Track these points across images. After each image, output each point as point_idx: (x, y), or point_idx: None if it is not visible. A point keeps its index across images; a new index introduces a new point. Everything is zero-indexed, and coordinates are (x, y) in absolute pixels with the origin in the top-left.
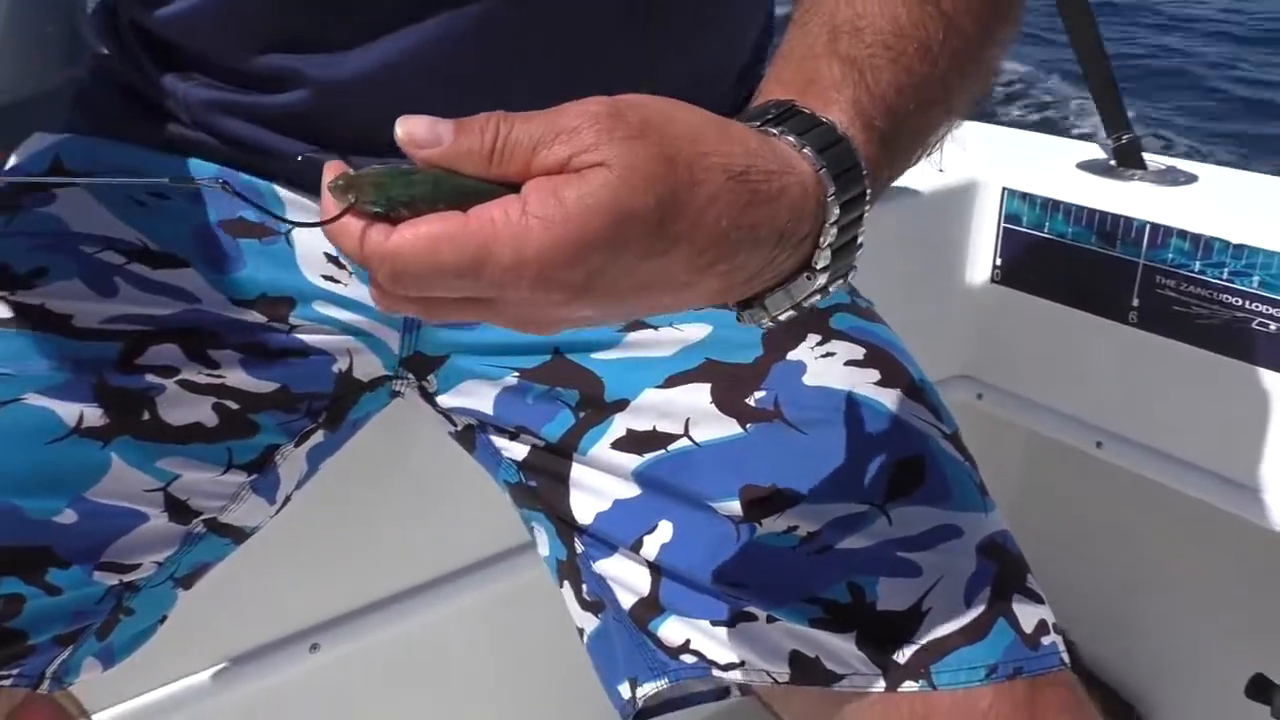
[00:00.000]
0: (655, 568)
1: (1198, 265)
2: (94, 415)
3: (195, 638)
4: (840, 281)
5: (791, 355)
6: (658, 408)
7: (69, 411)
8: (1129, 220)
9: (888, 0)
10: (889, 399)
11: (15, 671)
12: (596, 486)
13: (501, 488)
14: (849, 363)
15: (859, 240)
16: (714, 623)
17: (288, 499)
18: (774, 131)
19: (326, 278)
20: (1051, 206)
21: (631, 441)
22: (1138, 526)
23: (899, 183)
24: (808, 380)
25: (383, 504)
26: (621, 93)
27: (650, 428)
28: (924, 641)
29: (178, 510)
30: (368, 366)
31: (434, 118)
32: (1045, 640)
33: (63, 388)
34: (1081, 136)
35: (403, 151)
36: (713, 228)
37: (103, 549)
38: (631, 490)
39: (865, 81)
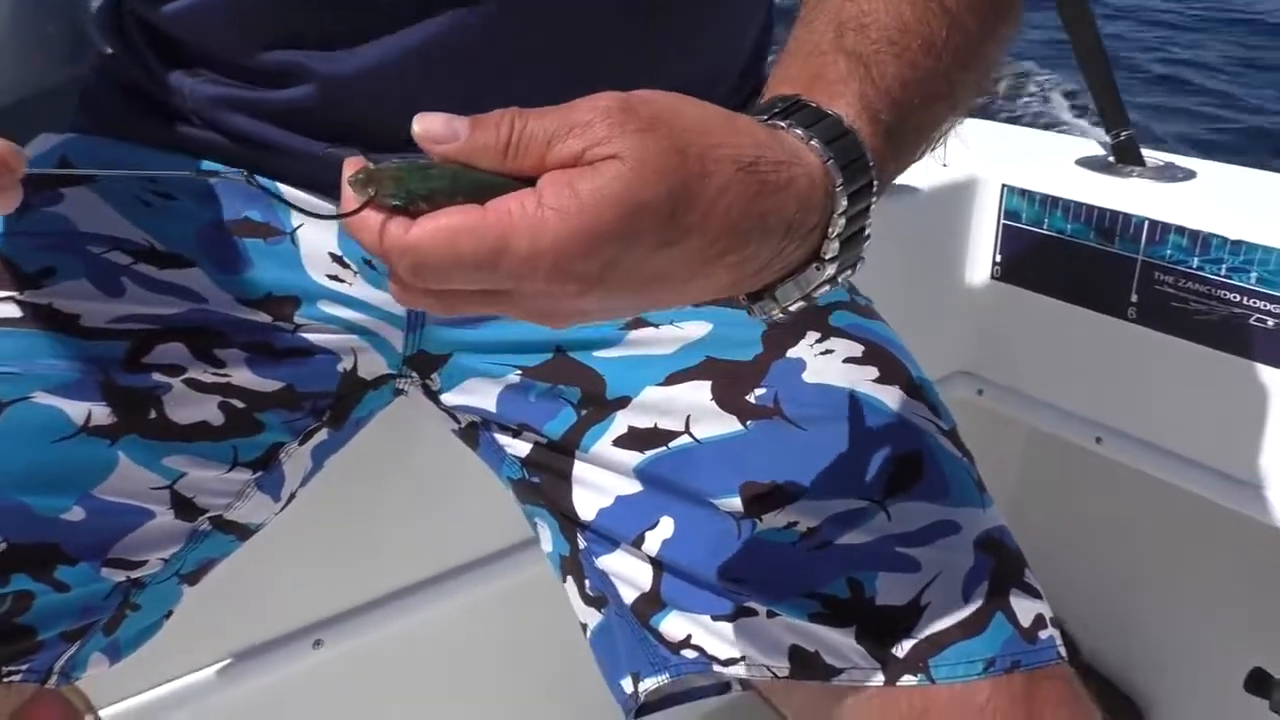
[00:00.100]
0: (657, 563)
1: (1196, 261)
2: (101, 414)
3: (200, 634)
4: (849, 272)
5: (791, 353)
6: (659, 405)
7: (77, 410)
8: (1128, 216)
9: None
10: (887, 396)
11: (24, 667)
12: (599, 483)
13: (505, 484)
14: (848, 360)
15: (866, 231)
16: (715, 618)
17: (292, 496)
18: (782, 124)
19: (331, 277)
20: (1051, 203)
21: (633, 439)
22: (1137, 521)
23: (899, 180)
24: (807, 377)
25: (386, 501)
26: (624, 90)
27: (651, 425)
28: (922, 636)
29: (184, 507)
30: (372, 365)
31: (450, 114)
32: (1043, 634)
33: (71, 386)
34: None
35: (419, 147)
36: (723, 218)
37: (110, 546)
38: (633, 487)
39: (871, 76)
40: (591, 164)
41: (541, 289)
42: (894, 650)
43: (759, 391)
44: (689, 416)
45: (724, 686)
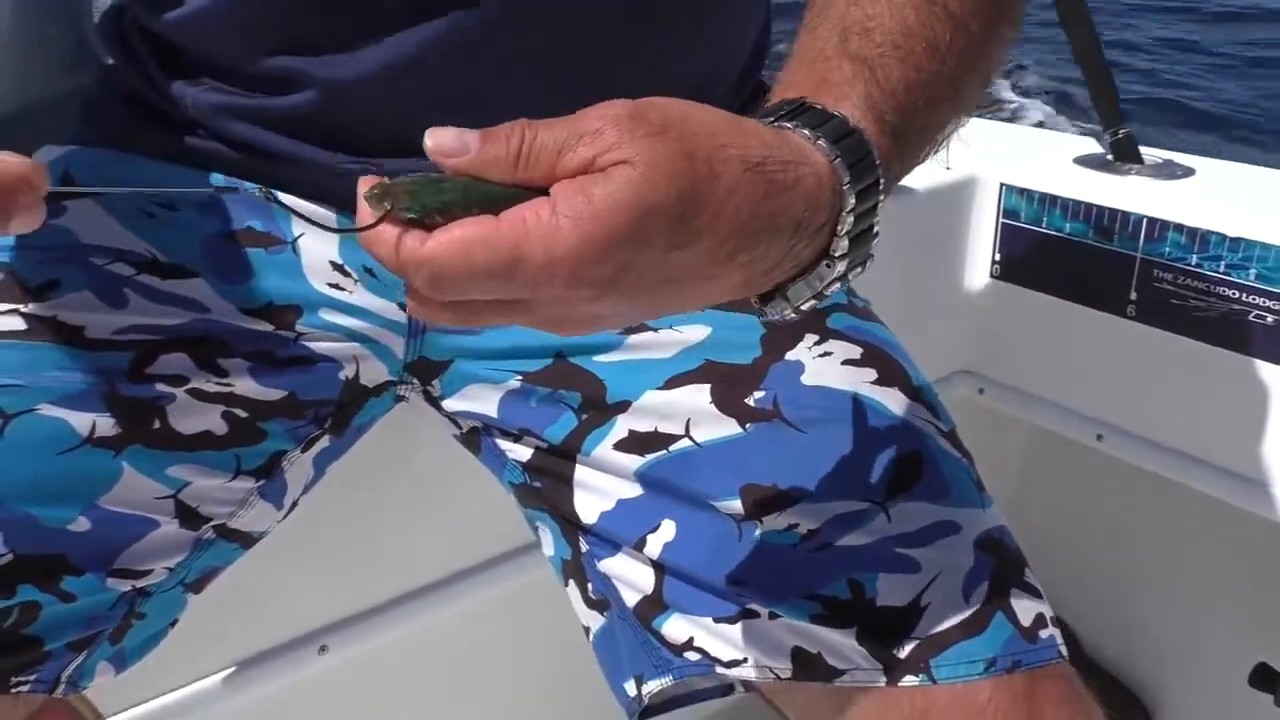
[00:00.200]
0: (658, 566)
1: (1195, 258)
2: (106, 425)
3: (206, 641)
4: (859, 269)
5: (789, 355)
6: (659, 409)
7: (82, 421)
8: (1126, 214)
9: (896, 2)
10: (886, 397)
11: (32, 677)
12: (600, 487)
13: (506, 489)
14: (846, 362)
15: (875, 229)
16: (717, 620)
17: (294, 504)
18: (788, 126)
19: (332, 285)
20: (1049, 201)
21: (633, 442)
22: (1139, 518)
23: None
24: (806, 380)
25: (389, 506)
26: (622, 93)
27: (652, 428)
28: (923, 636)
29: (188, 517)
30: (373, 372)
31: (460, 128)
32: (1043, 633)
33: (75, 398)
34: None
35: (422, 151)
36: (733, 218)
37: (115, 556)
38: (634, 490)
39: (876, 78)
40: (602, 170)
41: (558, 295)
42: (895, 651)
43: (758, 394)
44: (689, 420)
45: (727, 688)
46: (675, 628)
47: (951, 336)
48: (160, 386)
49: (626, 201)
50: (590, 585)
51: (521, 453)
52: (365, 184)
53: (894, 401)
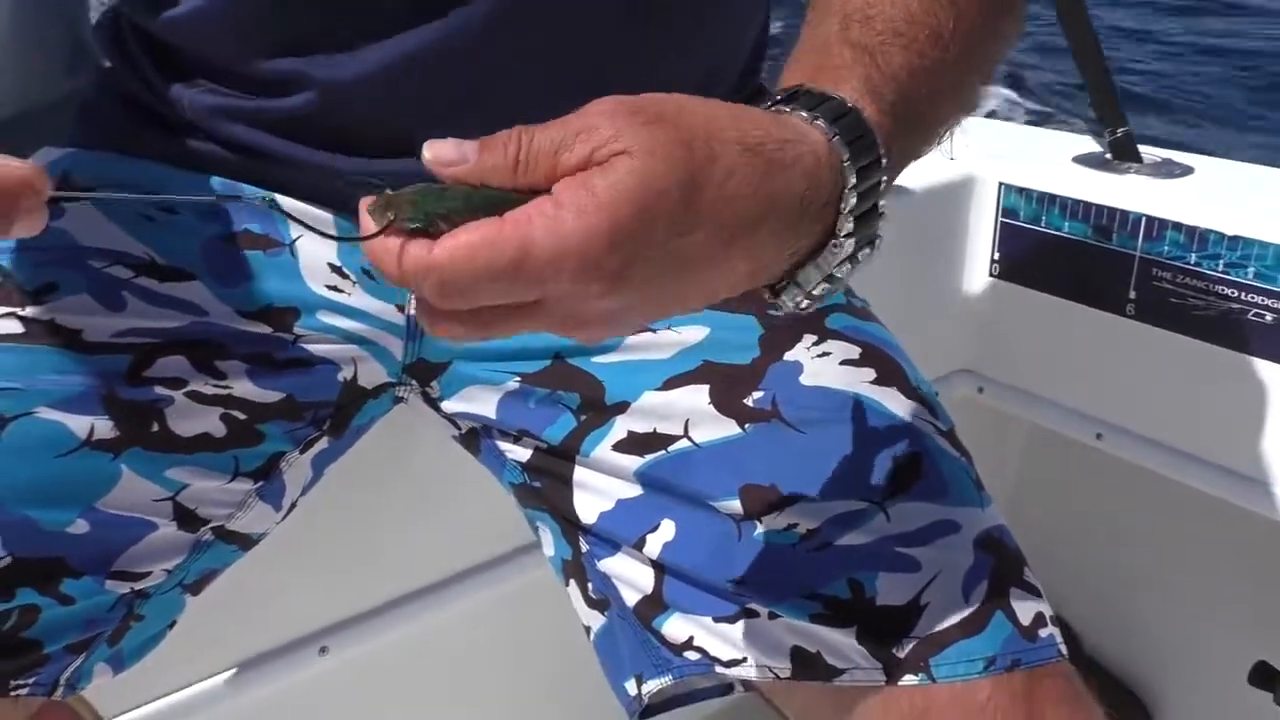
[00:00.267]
0: (658, 566)
1: (1194, 257)
2: (104, 427)
3: (207, 643)
4: (868, 250)
5: (788, 356)
6: (657, 409)
7: (80, 424)
8: (1125, 213)
9: None
10: (885, 397)
11: (31, 681)
12: (599, 487)
13: (506, 489)
14: (845, 362)
15: (881, 209)
16: (716, 619)
17: (293, 505)
18: (785, 110)
19: (330, 287)
20: (1048, 201)
21: (632, 443)
22: (1139, 517)
23: (896, 181)
24: (804, 380)
25: (389, 507)
26: (623, 93)
27: (650, 429)
28: (923, 635)
29: (186, 519)
30: (372, 374)
31: (458, 139)
32: (1043, 632)
33: (73, 401)
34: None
35: (419, 151)
36: (734, 199)
37: (114, 558)
38: (633, 490)
39: (876, 63)
40: (601, 163)
41: (566, 290)
42: (895, 650)
43: (757, 394)
44: (688, 420)
45: (726, 688)
46: (675, 627)
47: (951, 336)
48: (158, 389)
49: (628, 190)
50: (590, 585)
51: (521, 453)
52: (367, 202)
53: (893, 401)
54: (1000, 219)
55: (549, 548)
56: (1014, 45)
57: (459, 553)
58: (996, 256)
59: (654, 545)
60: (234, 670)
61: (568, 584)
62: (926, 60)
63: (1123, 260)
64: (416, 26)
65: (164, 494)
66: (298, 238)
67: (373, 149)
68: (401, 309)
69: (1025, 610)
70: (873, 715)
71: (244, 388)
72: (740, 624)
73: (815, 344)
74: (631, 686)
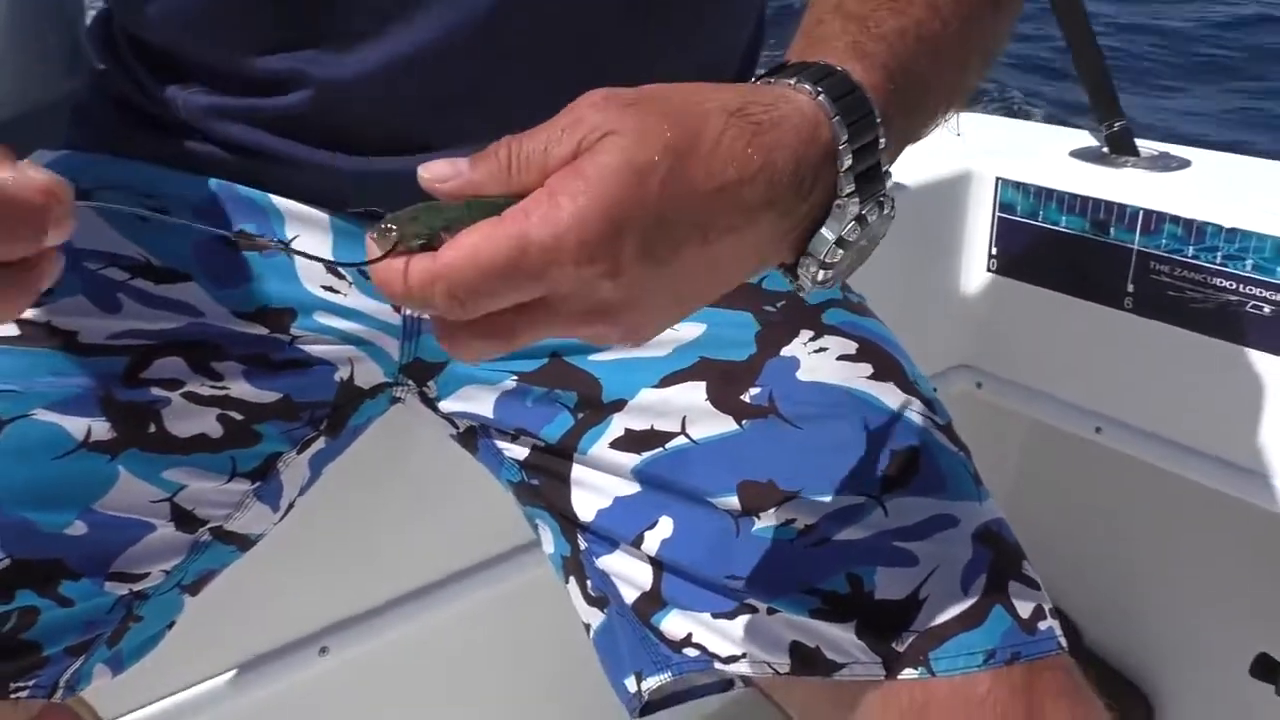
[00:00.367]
0: (656, 563)
1: (1191, 250)
2: (101, 429)
3: (207, 644)
4: (878, 211)
5: (785, 351)
6: (654, 407)
7: (77, 426)
8: (1122, 207)
9: None
10: (882, 392)
11: (31, 683)
12: (597, 485)
13: (505, 487)
14: (841, 357)
15: (884, 168)
16: (715, 615)
17: (291, 505)
18: (770, 81)
19: (326, 288)
20: (1046, 195)
21: (630, 440)
22: (1139, 510)
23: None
24: (801, 376)
25: (388, 507)
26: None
27: (648, 427)
28: (922, 629)
29: (184, 520)
30: (369, 374)
31: (450, 158)
32: (1042, 625)
33: (70, 403)
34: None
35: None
36: (726, 163)
37: (112, 560)
38: (631, 488)
39: (867, 27)
40: (589, 148)
41: (571, 277)
42: (894, 644)
43: (754, 391)
44: (685, 417)
45: (726, 684)
46: (674, 624)
47: (949, 331)
48: (155, 390)
49: (617, 167)
50: (589, 582)
51: (518, 452)
52: (372, 234)
53: (890, 396)
54: (997, 214)
55: (548, 545)
56: (1015, 21)
57: (458, 552)
58: (994, 251)
59: (652, 542)
60: (235, 671)
61: (567, 582)
62: (922, 28)
63: (1120, 254)
64: (414, 23)
65: (161, 495)
66: (293, 238)
67: (371, 147)
68: (398, 309)
69: (1024, 603)
70: (873, 710)
71: (241, 388)
72: (739, 620)
73: (812, 339)
74: (631, 684)
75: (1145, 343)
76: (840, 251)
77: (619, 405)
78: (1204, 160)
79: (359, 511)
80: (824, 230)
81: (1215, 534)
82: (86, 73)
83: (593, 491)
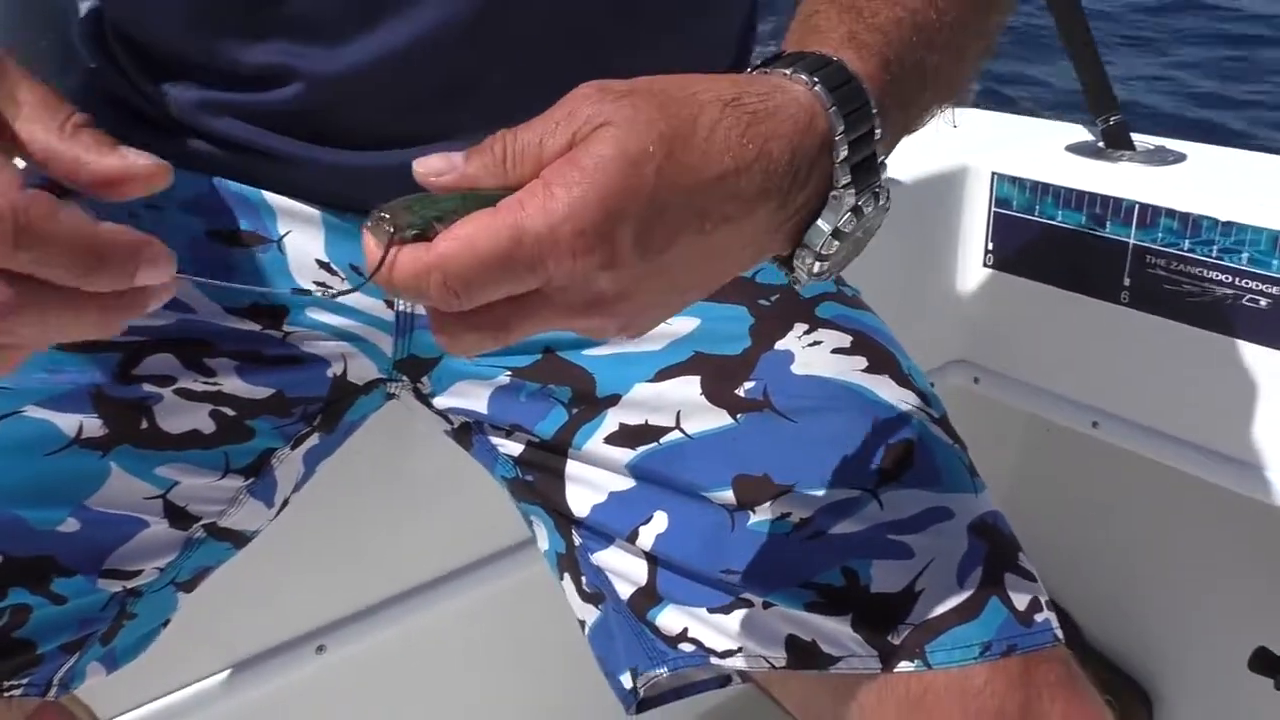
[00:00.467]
0: (652, 558)
1: (1187, 244)
2: (93, 426)
3: (204, 643)
4: (874, 202)
5: (779, 345)
6: (649, 401)
7: (68, 423)
8: (1118, 201)
9: None
10: (877, 385)
11: (25, 681)
12: (592, 480)
13: (500, 483)
14: (836, 350)
15: (880, 159)
16: (711, 610)
17: (285, 502)
18: (766, 71)
19: (319, 284)
20: (1041, 189)
21: (624, 435)
22: (1136, 505)
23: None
24: (796, 369)
25: (385, 505)
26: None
27: (642, 421)
28: (918, 622)
29: (177, 516)
30: (362, 370)
31: (444, 152)
32: (1038, 617)
33: (61, 399)
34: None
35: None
36: (722, 151)
37: (105, 556)
38: (626, 483)
39: (861, 17)
40: (584, 139)
41: (567, 268)
42: (890, 637)
43: (748, 385)
44: (679, 412)
45: (723, 679)
46: (669, 619)
47: (945, 327)
48: (147, 387)
49: (612, 156)
50: (584, 578)
51: (513, 448)
52: (367, 227)
53: (885, 389)
54: (993, 209)
55: (543, 542)
56: (1010, 12)
57: (456, 550)
58: (990, 246)
59: (647, 537)
60: (232, 669)
61: (562, 578)
62: (918, 16)
63: (1117, 248)
64: (407, 15)
65: (154, 491)
66: (285, 234)
67: (364, 142)
68: (391, 305)
69: (1020, 595)
70: (870, 703)
71: (233, 384)
72: (735, 614)
73: (806, 333)
74: (626, 680)
75: (1142, 337)
76: (836, 243)
77: (613, 400)
78: (1199, 154)
79: (356, 510)
80: (820, 222)
81: (1213, 528)
82: (79, 72)
83: (587, 487)
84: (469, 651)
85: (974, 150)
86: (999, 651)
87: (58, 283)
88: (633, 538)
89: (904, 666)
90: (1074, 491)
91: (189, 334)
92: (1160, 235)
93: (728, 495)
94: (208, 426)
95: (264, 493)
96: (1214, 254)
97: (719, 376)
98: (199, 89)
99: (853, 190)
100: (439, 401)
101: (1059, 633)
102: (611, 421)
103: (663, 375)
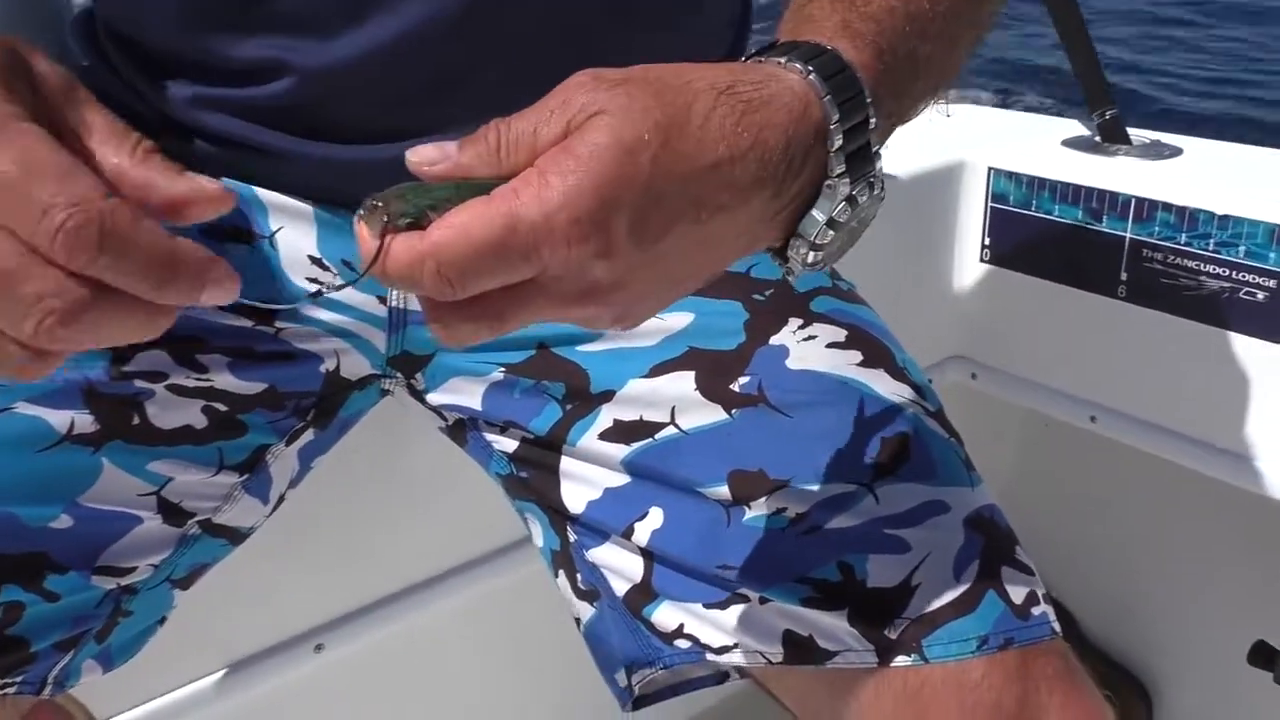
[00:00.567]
0: (647, 554)
1: (1184, 237)
2: (84, 422)
3: (202, 643)
4: (869, 191)
5: (774, 340)
6: (643, 397)
7: (60, 419)
8: (1115, 195)
9: None
10: (872, 379)
11: (19, 679)
12: (586, 476)
13: (495, 480)
14: (831, 345)
15: (875, 148)
16: (707, 606)
17: (281, 499)
18: (760, 60)
19: (311, 280)
20: (1038, 184)
21: (619, 431)
22: (1134, 499)
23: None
24: (790, 364)
25: (382, 502)
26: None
27: (637, 417)
28: (915, 616)
29: (171, 513)
30: (355, 366)
31: (438, 142)
32: (1035, 610)
33: (53, 396)
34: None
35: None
36: (717, 139)
37: (99, 553)
38: (621, 479)
39: (855, 5)
40: (579, 128)
41: (562, 256)
42: (887, 632)
43: (743, 380)
44: (674, 407)
45: (721, 675)
46: (665, 615)
47: (943, 322)
48: (138, 383)
49: (606, 144)
50: (580, 575)
51: (507, 444)
52: (360, 216)
53: (880, 383)
54: (990, 204)
55: (538, 539)
56: (1004, 2)
57: (454, 547)
58: (987, 242)
59: (642, 533)
60: (230, 669)
61: (557, 575)
62: (911, 6)
63: (1113, 242)
64: (397, 9)
65: (148, 488)
66: (277, 230)
67: (355, 137)
68: (383, 300)
69: (1017, 589)
70: (867, 697)
71: (225, 380)
72: (731, 610)
73: (801, 327)
74: (622, 677)
75: (1139, 331)
76: (831, 233)
77: (607, 396)
78: (1196, 148)
79: (353, 508)
80: (814, 211)
81: (1211, 521)
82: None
83: (582, 483)
84: (467, 650)
85: (970, 145)
86: (996, 645)
87: (129, 291)
88: (628, 534)
89: (901, 661)
90: (1072, 487)
91: (180, 330)
92: (1157, 229)
93: (723, 491)
94: (200, 422)
95: (259, 489)
96: (1211, 247)
97: (713, 372)
98: (190, 85)
99: (847, 179)
100: (433, 398)
101: (1056, 626)
102: (606, 417)
103: (657, 371)
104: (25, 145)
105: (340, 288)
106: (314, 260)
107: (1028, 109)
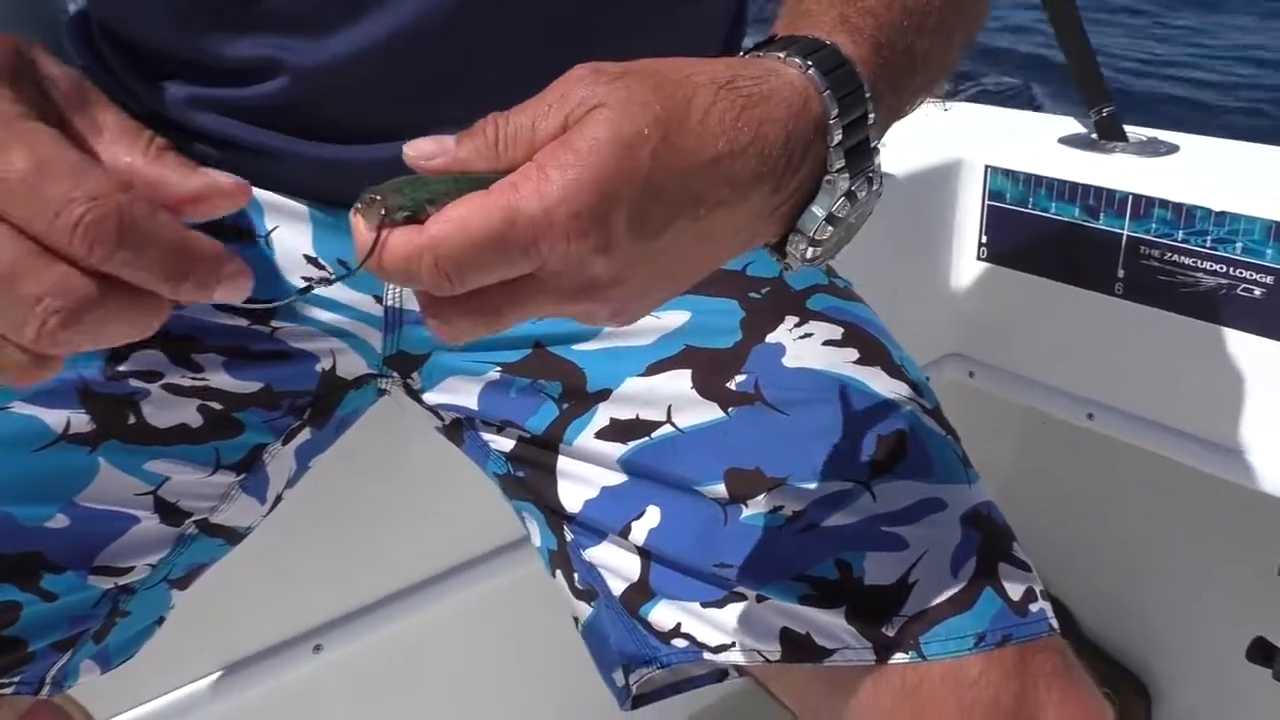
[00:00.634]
0: (644, 553)
1: (1181, 234)
2: (80, 421)
3: (200, 643)
4: (868, 187)
5: (770, 338)
6: (640, 396)
7: (55, 418)
8: (1112, 192)
9: None
10: (868, 377)
11: (17, 679)
12: (583, 475)
13: (492, 479)
14: (827, 342)
15: (873, 143)
16: (704, 605)
17: (279, 498)
18: (759, 55)
19: (306, 279)
20: (1035, 182)
21: (615, 430)
22: (1132, 496)
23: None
24: (787, 362)
25: (381, 502)
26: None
27: (633, 416)
28: (912, 613)
29: (168, 512)
30: (351, 366)
31: (436, 136)
32: (1033, 607)
33: (48, 395)
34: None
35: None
36: (717, 134)
37: (96, 553)
38: (618, 478)
39: (852, 1)
40: (578, 121)
41: (561, 251)
42: (884, 629)
43: (739, 378)
44: (670, 406)
45: (719, 674)
46: (662, 614)
47: (940, 320)
48: (134, 382)
49: (606, 139)
50: (577, 575)
51: (504, 444)
52: (357, 208)
53: (877, 380)
54: (987, 202)
55: (536, 538)
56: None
57: (452, 547)
58: (984, 240)
59: (639, 532)
60: (229, 670)
61: (555, 574)
62: (909, 1)
63: (1111, 240)
64: (390, 8)
65: (144, 487)
66: (273, 229)
67: (350, 135)
68: (379, 300)
69: (1015, 585)
70: (865, 694)
71: (220, 379)
72: (728, 608)
73: (797, 325)
74: (619, 676)
75: (1136, 328)
76: (829, 228)
77: (604, 395)
78: (1192, 145)
79: (351, 508)
80: (813, 207)
81: (1209, 518)
82: None
83: (579, 482)
84: (466, 650)
85: (967, 143)
86: (994, 642)
87: (144, 285)
88: (625, 533)
89: (899, 658)
90: (1070, 484)
91: (176, 329)
92: (1154, 226)
93: (720, 489)
94: (195, 421)
95: (256, 489)
96: (1208, 244)
97: (710, 370)
98: (185, 85)
99: (846, 175)
100: (429, 397)
101: (1054, 622)
102: (602, 416)
103: (653, 369)
104: (36, 142)
105: (331, 282)
106: (309, 259)
107: (1024, 106)
